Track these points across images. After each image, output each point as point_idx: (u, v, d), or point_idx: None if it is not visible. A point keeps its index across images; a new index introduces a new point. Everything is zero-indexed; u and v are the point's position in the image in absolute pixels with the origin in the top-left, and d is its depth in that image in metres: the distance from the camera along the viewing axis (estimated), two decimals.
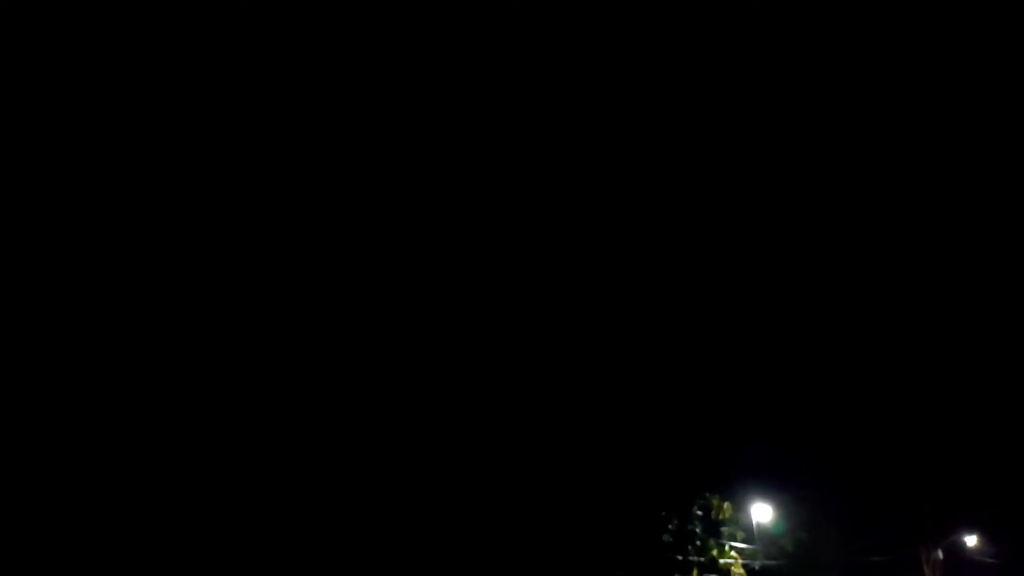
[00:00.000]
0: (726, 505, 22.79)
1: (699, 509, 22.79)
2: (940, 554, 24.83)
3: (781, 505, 23.90)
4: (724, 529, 22.93)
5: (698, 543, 22.52)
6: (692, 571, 22.29)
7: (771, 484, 23.72)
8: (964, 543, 25.35)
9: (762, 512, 23.72)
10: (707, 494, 22.84)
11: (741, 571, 22.54)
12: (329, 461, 23.92)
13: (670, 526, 22.62)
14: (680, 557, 22.42)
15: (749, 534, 23.61)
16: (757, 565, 23.45)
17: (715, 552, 22.50)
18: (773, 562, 23.81)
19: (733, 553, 22.72)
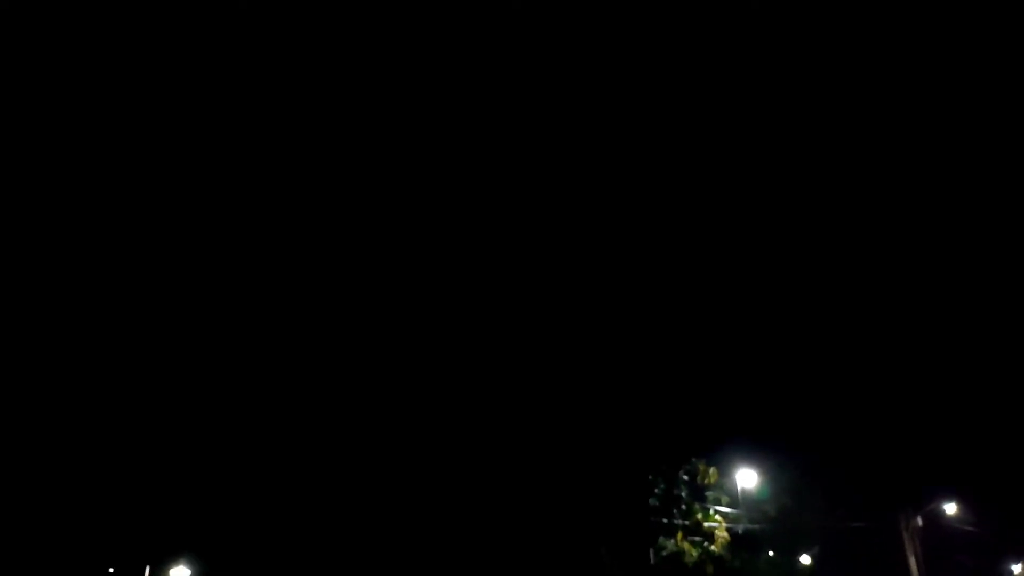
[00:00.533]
0: (712, 470, 23.27)
1: (685, 474, 23.26)
2: (919, 521, 25.23)
3: (766, 471, 24.26)
4: (709, 494, 23.37)
5: (683, 507, 22.99)
6: (677, 534, 22.75)
7: (756, 450, 24.10)
8: (943, 511, 25.76)
9: (747, 478, 24.08)
10: (694, 459, 23.31)
11: (725, 535, 22.99)
12: (317, 451, 24.29)
13: (656, 490, 23.07)
14: (665, 520, 22.87)
15: (734, 499, 24.01)
16: (741, 529, 23.82)
17: (700, 516, 22.99)
18: (756, 526, 24.17)
19: (717, 517, 23.15)
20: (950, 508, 25.74)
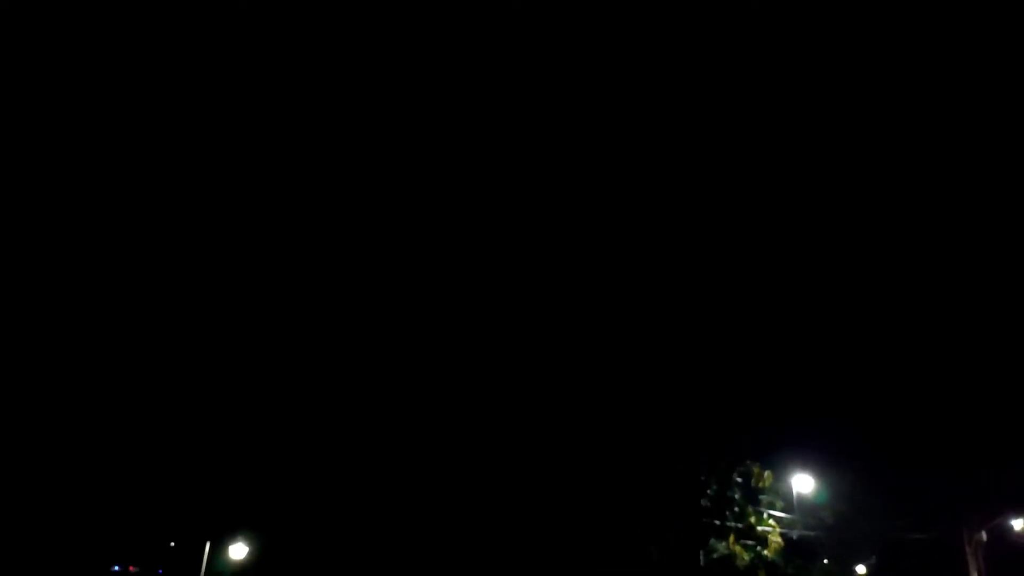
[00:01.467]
0: (766, 474, 22.79)
1: (739, 476, 22.83)
2: (984, 536, 24.38)
3: (822, 477, 23.72)
4: (763, 497, 22.90)
5: (736, 509, 22.54)
6: (729, 536, 22.34)
7: (814, 456, 23.58)
8: (1010, 526, 24.79)
9: (803, 483, 23.58)
10: (748, 462, 22.86)
11: (778, 539, 22.50)
12: (329, 463, 24.78)
13: (709, 491, 22.69)
14: (717, 522, 22.48)
15: (788, 504, 23.53)
16: (795, 535, 23.33)
17: (753, 519, 22.49)
18: (811, 533, 23.65)
19: (771, 521, 22.66)
20: (1018, 524, 24.77)
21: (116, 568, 29.98)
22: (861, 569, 25.01)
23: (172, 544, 28.86)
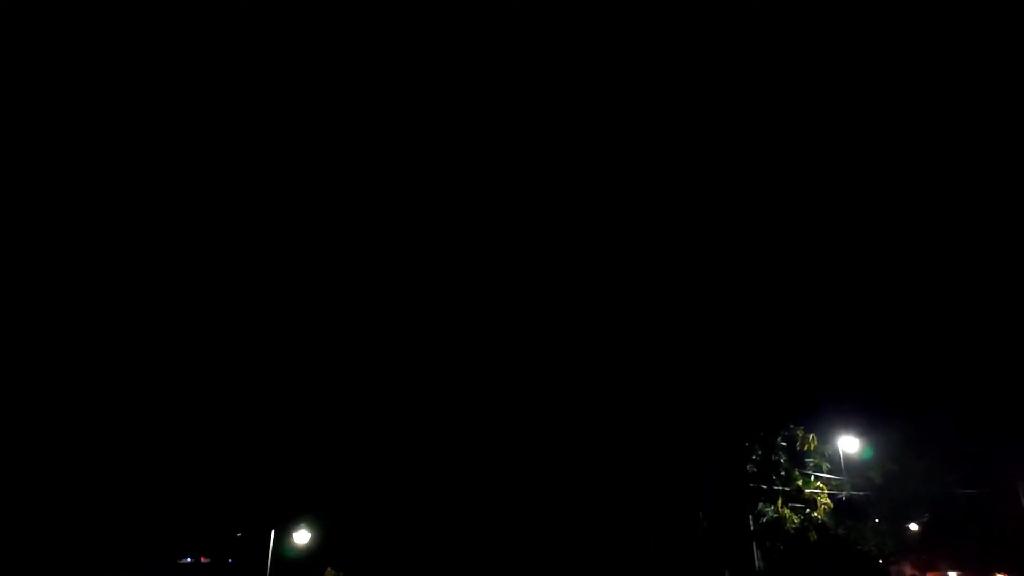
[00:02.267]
0: (811, 436, 22.78)
1: (783, 440, 22.89)
2: None
3: (869, 436, 23.69)
4: (809, 460, 22.95)
5: (783, 473, 22.62)
6: (777, 500, 22.46)
7: (859, 415, 23.56)
8: None
9: (849, 444, 23.60)
10: (791, 425, 22.90)
11: (827, 501, 22.54)
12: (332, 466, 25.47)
13: (754, 456, 22.81)
14: (764, 487, 22.60)
15: (835, 465, 23.58)
16: (844, 496, 23.38)
17: (800, 482, 22.55)
18: (860, 493, 23.67)
19: (819, 484, 22.72)
20: None
21: (189, 559, 31.56)
22: (913, 527, 24.95)
23: (239, 534, 30.22)
